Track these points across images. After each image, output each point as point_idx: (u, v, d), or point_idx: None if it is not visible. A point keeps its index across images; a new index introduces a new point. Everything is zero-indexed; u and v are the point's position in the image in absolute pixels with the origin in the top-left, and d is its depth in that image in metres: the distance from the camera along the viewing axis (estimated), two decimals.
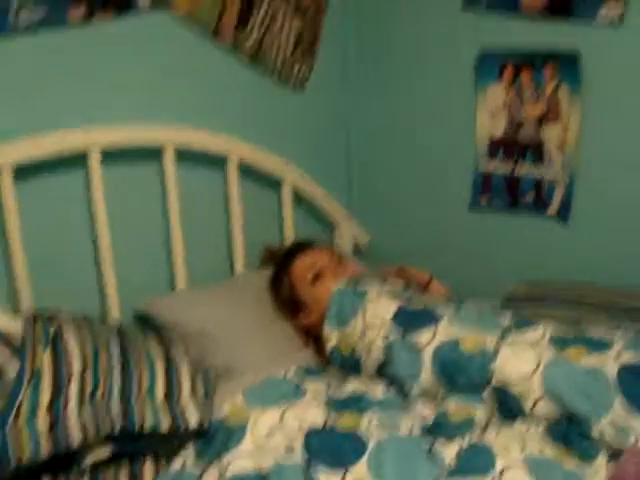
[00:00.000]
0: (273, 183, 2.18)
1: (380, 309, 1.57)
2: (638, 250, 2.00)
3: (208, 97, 1.98)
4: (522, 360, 1.34)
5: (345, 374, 1.59)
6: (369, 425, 1.29)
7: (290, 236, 2.21)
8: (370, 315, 1.57)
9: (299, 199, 2.27)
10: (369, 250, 2.50)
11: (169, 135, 1.83)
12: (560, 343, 1.39)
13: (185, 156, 1.89)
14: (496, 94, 2.14)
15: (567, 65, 1.98)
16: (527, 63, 2.06)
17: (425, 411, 1.37)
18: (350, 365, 1.59)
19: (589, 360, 1.33)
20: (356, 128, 2.47)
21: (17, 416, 1.15)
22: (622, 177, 1.98)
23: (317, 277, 1.78)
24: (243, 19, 2.04)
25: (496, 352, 1.38)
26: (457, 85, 2.20)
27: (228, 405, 1.38)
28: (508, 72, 2.10)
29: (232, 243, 2.06)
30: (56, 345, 1.32)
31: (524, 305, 1.94)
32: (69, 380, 1.24)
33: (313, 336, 1.75)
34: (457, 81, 2.20)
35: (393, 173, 2.43)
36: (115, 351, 1.36)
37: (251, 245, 2.10)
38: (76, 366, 1.28)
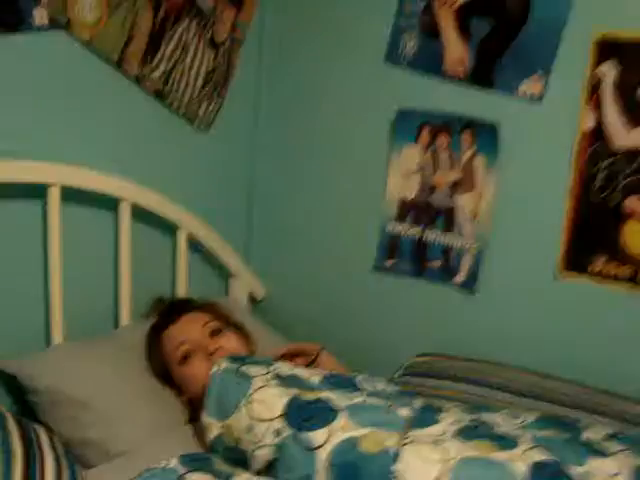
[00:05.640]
0: (169, 229, 2.00)
1: (269, 400, 1.37)
2: (535, 327, 1.96)
3: (103, 131, 1.78)
4: (426, 462, 1.19)
5: (232, 466, 1.37)
6: None
7: (183, 285, 2.03)
8: (257, 408, 1.36)
9: (196, 247, 2.10)
10: (266, 305, 2.35)
11: (55, 172, 1.60)
12: (465, 438, 1.27)
13: (73, 195, 1.67)
14: (411, 156, 2.06)
15: (485, 135, 1.94)
16: (445, 128, 2.00)
17: None
18: (235, 458, 1.38)
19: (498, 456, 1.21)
20: (261, 176, 2.33)
21: None
22: (529, 253, 1.94)
23: (186, 357, 1.58)
24: (151, 50, 1.86)
25: (397, 452, 1.22)
26: (373, 141, 2.11)
27: None
28: (425, 134, 2.04)
29: (119, 291, 1.85)
30: None
31: (423, 381, 1.86)
32: None
33: (195, 411, 1.55)
34: (373, 137, 2.11)
35: (297, 225, 2.30)
36: None
37: (140, 295, 1.90)
38: None
